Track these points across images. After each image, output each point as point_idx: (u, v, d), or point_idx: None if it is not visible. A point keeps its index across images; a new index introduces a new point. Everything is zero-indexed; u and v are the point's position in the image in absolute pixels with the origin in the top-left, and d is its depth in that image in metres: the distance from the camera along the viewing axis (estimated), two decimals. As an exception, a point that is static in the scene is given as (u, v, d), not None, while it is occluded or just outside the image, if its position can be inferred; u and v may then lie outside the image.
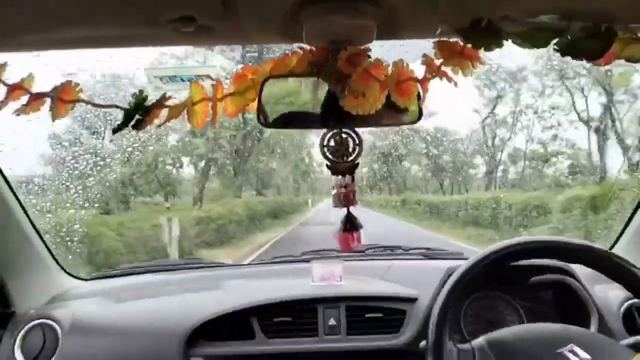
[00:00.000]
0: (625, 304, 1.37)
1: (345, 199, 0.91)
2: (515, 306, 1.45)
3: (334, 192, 0.93)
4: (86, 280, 1.69)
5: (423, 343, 1.06)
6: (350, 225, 0.94)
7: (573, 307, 1.39)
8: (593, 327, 1.31)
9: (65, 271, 1.63)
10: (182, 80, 0.98)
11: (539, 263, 1.37)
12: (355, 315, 1.38)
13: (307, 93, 0.95)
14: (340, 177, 0.93)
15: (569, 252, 1.08)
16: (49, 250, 1.56)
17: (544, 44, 0.77)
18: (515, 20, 0.77)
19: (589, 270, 1.11)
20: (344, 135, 0.92)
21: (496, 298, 1.46)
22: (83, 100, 0.79)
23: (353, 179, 0.93)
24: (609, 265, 1.05)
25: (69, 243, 5.86)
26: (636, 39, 0.81)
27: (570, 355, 0.94)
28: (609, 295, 1.40)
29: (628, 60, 0.85)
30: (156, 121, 0.81)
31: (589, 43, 0.78)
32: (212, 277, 1.69)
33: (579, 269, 1.41)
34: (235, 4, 0.74)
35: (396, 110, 0.88)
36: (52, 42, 0.84)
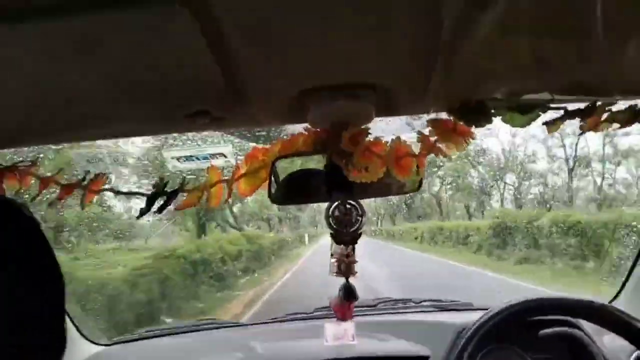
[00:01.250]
0: (635, 354, 1.36)
1: (347, 269, 0.95)
2: (527, 359, 1.45)
3: (333, 260, 0.97)
4: (106, 345, 1.72)
5: None
6: (350, 295, 0.97)
7: (582, 359, 1.39)
8: None
9: (85, 337, 1.66)
10: (198, 159, 1.05)
11: (547, 316, 1.39)
12: None
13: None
14: (342, 246, 0.98)
15: (568, 309, 1.12)
16: (68, 316, 1.60)
17: (531, 121, 0.84)
18: (501, 100, 0.84)
19: None
20: (348, 206, 0.98)
21: (508, 351, 1.47)
22: (110, 189, 0.86)
23: (354, 249, 0.97)
24: (608, 319, 1.08)
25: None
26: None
27: None
28: (618, 345, 1.40)
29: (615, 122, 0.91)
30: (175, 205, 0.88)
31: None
32: (227, 338, 1.71)
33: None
34: (247, 96, 0.81)
35: (398, 179, 0.94)
36: (80, 136, 0.92)
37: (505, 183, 19.76)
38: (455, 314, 1.70)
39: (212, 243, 11.06)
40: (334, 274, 0.96)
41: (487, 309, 1.26)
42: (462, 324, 1.32)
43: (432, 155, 0.90)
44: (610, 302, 1.62)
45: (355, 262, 0.97)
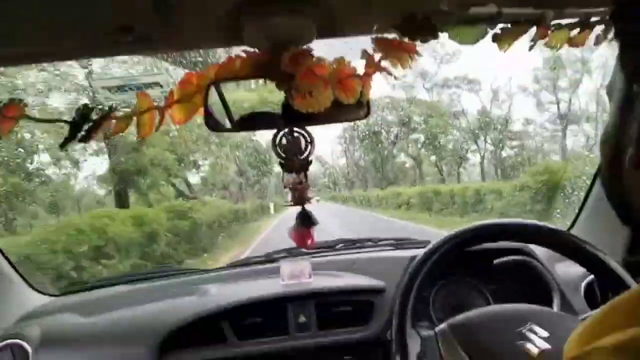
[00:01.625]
0: (586, 280, 1.41)
1: (300, 197, 0.93)
2: (481, 290, 1.49)
3: (286, 190, 0.94)
4: (56, 296, 1.67)
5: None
6: (307, 221, 0.95)
7: (536, 286, 1.43)
8: (556, 305, 1.35)
9: (33, 288, 1.61)
10: (131, 89, 0.98)
11: (500, 246, 1.42)
12: (324, 311, 1.40)
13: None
14: (294, 174, 0.95)
15: (521, 234, 1.12)
16: (14, 267, 1.53)
17: (479, 37, 0.80)
18: (447, 13, 0.79)
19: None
20: (295, 135, 0.94)
21: (462, 283, 1.50)
22: (28, 117, 0.78)
23: (306, 177, 0.95)
24: (563, 244, 1.10)
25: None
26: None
27: (529, 333, 0.98)
28: (570, 272, 1.45)
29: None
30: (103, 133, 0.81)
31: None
32: (184, 283, 1.69)
33: (541, 248, 1.45)
34: (174, 11, 0.74)
35: (347, 106, 0.90)
36: None
37: (485, 142, 18.89)
38: (414, 250, 1.72)
39: (85, 224, 7.15)
40: (290, 203, 0.94)
41: None
42: (415, 256, 1.32)
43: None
44: None
45: (308, 188, 0.94)
